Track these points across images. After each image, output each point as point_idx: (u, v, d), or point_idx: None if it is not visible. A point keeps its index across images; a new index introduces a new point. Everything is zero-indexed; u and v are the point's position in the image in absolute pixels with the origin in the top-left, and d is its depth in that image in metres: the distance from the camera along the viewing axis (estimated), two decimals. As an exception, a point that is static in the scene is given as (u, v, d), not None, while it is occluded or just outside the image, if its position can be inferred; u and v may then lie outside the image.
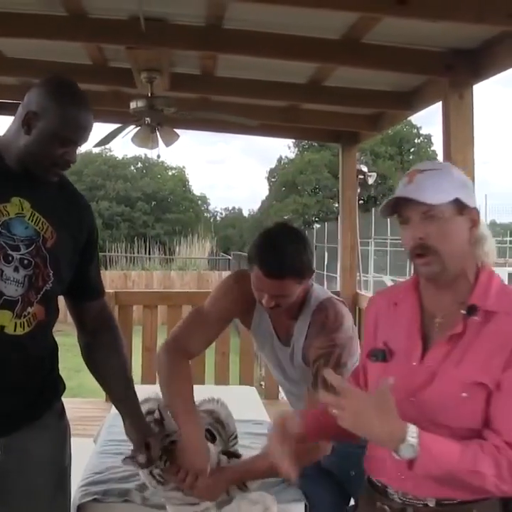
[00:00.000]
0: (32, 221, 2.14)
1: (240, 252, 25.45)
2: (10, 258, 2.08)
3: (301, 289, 2.59)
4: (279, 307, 2.58)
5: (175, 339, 2.77)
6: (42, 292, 2.16)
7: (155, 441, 2.45)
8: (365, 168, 10.63)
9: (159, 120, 5.23)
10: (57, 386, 2.37)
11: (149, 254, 27.50)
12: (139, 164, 40.20)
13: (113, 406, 2.75)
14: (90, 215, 2.41)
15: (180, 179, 40.85)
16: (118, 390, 2.48)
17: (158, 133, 5.39)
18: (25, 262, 2.11)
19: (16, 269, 2.09)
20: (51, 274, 2.17)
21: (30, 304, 2.13)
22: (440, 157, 5.21)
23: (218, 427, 2.78)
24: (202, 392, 2.81)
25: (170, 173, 41.31)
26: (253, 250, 2.55)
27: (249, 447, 3.02)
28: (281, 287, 2.51)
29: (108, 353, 2.45)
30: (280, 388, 6.07)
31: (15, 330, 2.10)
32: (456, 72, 4.02)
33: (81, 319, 2.46)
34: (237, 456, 2.75)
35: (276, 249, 2.50)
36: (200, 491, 2.53)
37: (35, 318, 2.15)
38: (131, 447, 2.48)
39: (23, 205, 2.13)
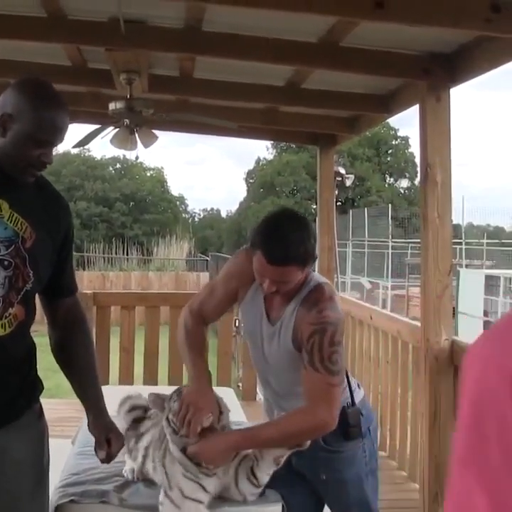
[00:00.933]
0: (11, 222, 2.13)
1: (217, 253, 25.43)
2: None
3: (302, 275, 2.61)
4: (278, 292, 2.61)
5: (194, 306, 2.87)
6: (22, 293, 2.16)
7: (116, 438, 2.46)
8: (342, 170, 10.68)
9: (138, 121, 5.23)
10: (36, 386, 2.37)
11: (127, 254, 27.40)
12: (118, 165, 40.01)
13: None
14: (68, 216, 2.41)
15: (159, 180, 40.73)
16: (84, 386, 2.49)
17: (136, 134, 5.39)
18: (6, 263, 2.11)
19: None
20: (31, 274, 2.17)
21: (11, 304, 2.13)
22: (417, 159, 5.24)
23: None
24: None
25: (148, 174, 41.16)
26: (257, 236, 2.55)
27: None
28: (284, 274, 2.52)
29: (77, 349, 2.46)
30: (258, 389, 6.08)
31: None
32: (433, 76, 4.03)
33: (53, 315, 2.46)
34: None
35: (280, 236, 2.50)
36: (202, 448, 2.53)
37: (16, 318, 2.15)
38: None
39: (1, 206, 2.12)
